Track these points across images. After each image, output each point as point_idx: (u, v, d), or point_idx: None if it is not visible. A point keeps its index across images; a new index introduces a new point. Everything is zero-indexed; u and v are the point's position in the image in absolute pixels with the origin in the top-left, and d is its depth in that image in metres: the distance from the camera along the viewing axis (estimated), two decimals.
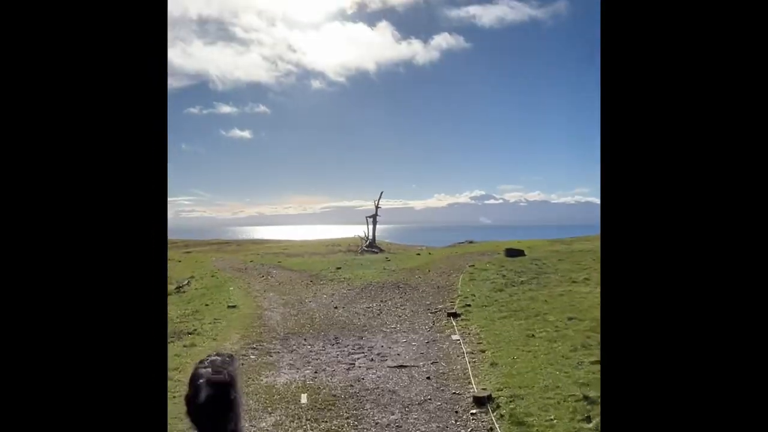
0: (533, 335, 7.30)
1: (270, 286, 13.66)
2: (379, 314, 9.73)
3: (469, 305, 9.54)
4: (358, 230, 29.58)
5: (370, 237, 27.90)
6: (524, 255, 17.58)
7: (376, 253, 24.66)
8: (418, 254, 22.00)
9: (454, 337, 7.80)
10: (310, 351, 7.53)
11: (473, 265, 15.50)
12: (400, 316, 9.44)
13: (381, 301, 10.87)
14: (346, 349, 7.59)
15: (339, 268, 17.01)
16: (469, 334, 7.91)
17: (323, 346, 7.74)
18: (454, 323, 8.48)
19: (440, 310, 9.54)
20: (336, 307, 10.44)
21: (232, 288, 13.20)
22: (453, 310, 9.16)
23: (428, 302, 10.46)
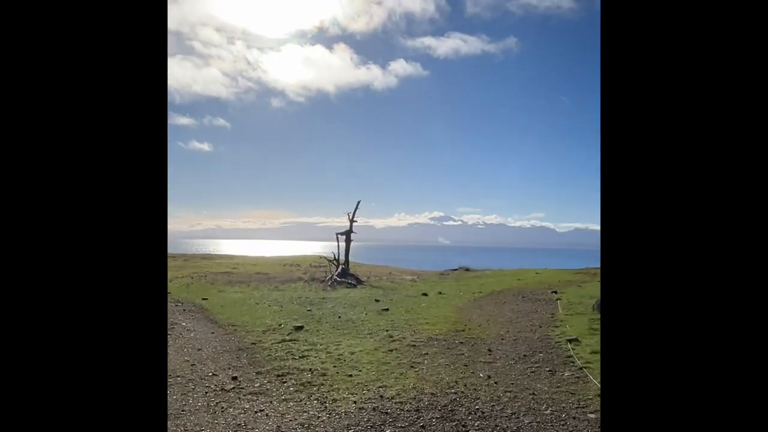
0: None
1: None
2: None
3: None
4: (320, 246, 21.49)
5: (342, 260, 19.74)
6: None
7: (354, 286, 16.62)
8: (425, 294, 14.17)
9: None
10: None
11: (575, 339, 7.83)
12: None
13: None
14: None
15: (300, 327, 9.01)
16: None
17: None
18: None
19: None
20: None
21: None
22: None
23: None
